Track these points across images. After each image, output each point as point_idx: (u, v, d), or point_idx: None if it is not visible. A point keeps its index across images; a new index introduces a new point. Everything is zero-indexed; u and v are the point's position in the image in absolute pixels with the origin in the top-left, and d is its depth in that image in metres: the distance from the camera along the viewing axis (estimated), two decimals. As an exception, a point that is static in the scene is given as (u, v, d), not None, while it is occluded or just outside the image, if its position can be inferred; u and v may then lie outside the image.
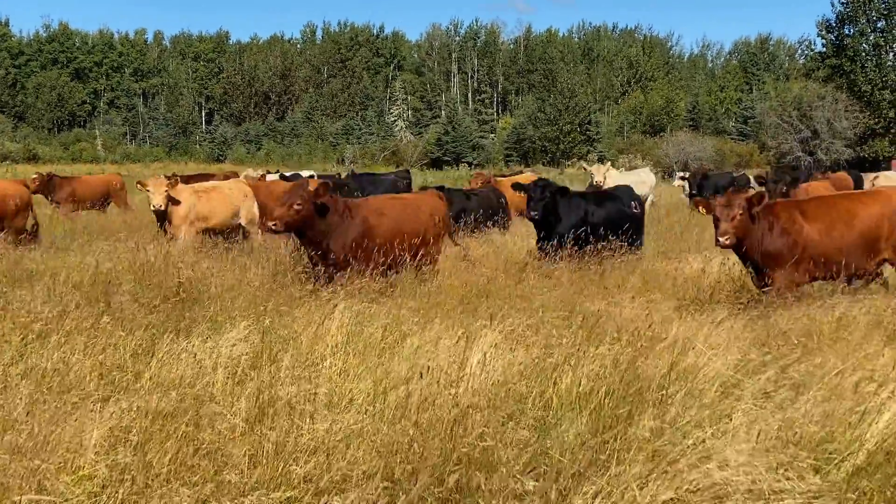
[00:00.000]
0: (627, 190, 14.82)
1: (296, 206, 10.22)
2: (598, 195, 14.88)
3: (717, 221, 9.73)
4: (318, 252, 10.56)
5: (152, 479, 4.76)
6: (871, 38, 70.31)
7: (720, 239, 9.56)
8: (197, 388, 6.09)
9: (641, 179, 25.15)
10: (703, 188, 22.80)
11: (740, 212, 9.54)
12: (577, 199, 13.81)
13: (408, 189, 24.65)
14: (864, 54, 70.44)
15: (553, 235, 12.97)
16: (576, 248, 12.39)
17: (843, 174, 27.48)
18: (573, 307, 8.90)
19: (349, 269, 9.94)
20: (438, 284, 10.26)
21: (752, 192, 10.06)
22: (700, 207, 10.39)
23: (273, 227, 10.35)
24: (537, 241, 13.32)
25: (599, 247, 12.23)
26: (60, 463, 4.85)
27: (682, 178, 29.38)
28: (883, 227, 10.20)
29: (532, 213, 13.08)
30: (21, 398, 5.74)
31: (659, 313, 8.68)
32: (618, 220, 13.42)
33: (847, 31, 71.28)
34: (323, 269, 10.51)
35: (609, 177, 23.10)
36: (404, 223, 11.20)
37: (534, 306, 8.79)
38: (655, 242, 15.06)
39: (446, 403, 5.62)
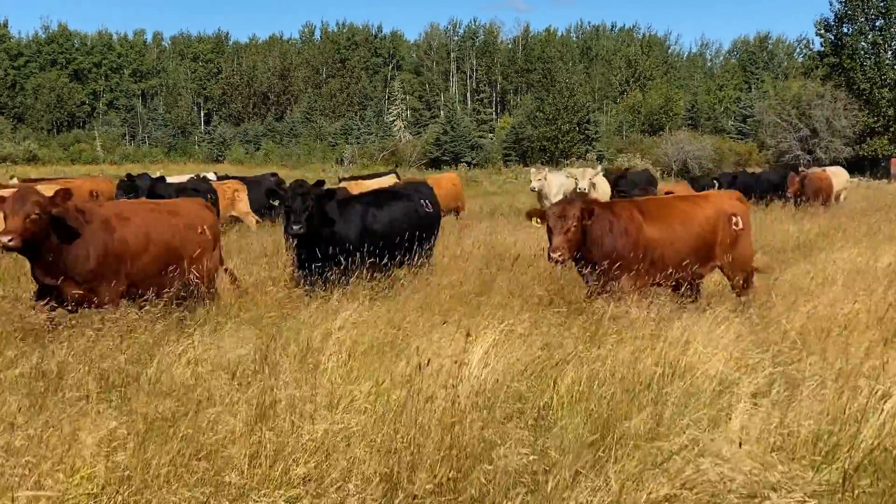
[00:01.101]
0: (420, 185, 13.16)
1: (32, 216, 8.05)
2: (380, 193, 12.60)
3: (550, 234, 9.24)
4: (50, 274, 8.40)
5: (152, 480, 4.78)
6: (869, 36, 70.40)
7: (552, 254, 9.02)
8: (198, 392, 6.11)
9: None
10: (619, 186, 22.10)
11: (574, 223, 9.09)
12: (351, 203, 11.41)
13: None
14: (862, 52, 70.50)
15: (328, 256, 10.39)
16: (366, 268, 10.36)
17: (683, 184, 27.47)
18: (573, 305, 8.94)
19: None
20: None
21: (588, 201, 9.80)
22: (534, 219, 9.71)
23: (9, 244, 8.00)
24: (299, 268, 10.61)
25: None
26: (59, 464, 4.86)
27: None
28: (717, 231, 10.13)
29: (295, 229, 10.24)
30: (20, 400, 5.76)
31: (657, 312, 8.70)
32: (408, 224, 11.44)
33: (845, 30, 71.33)
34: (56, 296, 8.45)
35: (597, 183, 21.83)
36: (155, 232, 9.29)
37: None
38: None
39: (446, 403, 5.64)
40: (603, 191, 21.48)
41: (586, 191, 20.72)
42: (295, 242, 10.53)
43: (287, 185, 11.42)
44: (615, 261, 9.23)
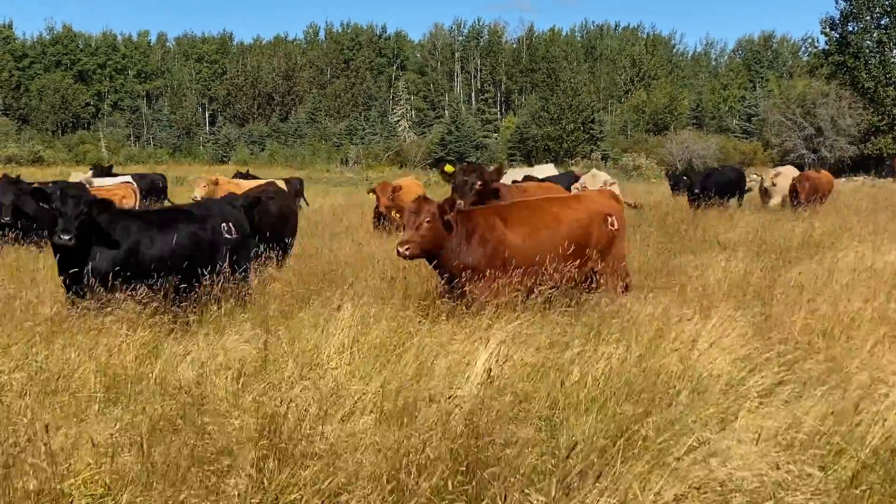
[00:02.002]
0: (218, 205, 10.73)
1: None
2: (166, 213, 10.78)
3: (404, 229, 9.05)
4: None
5: (156, 483, 4.77)
6: (874, 34, 70.28)
7: (399, 249, 8.75)
8: (201, 390, 6.10)
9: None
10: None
11: (428, 219, 8.77)
12: (128, 220, 9.33)
13: None
14: (867, 51, 70.39)
15: (80, 277, 8.59)
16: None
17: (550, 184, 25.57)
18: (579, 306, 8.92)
19: None
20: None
21: (443, 200, 9.09)
22: (393, 213, 9.63)
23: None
24: (66, 289, 8.84)
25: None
26: (64, 466, 4.85)
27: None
28: (591, 233, 9.75)
29: (63, 238, 8.43)
30: (25, 401, 5.75)
31: (664, 312, 8.68)
32: (196, 251, 9.45)
33: (851, 28, 71.23)
34: None
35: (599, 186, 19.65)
36: None
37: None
38: (658, 241, 15.02)
39: (453, 404, 5.63)
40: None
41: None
42: (59, 256, 8.65)
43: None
44: (475, 270, 8.91)
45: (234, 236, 10.04)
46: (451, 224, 9.01)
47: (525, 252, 9.15)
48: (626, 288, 10.08)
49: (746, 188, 26.62)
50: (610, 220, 9.99)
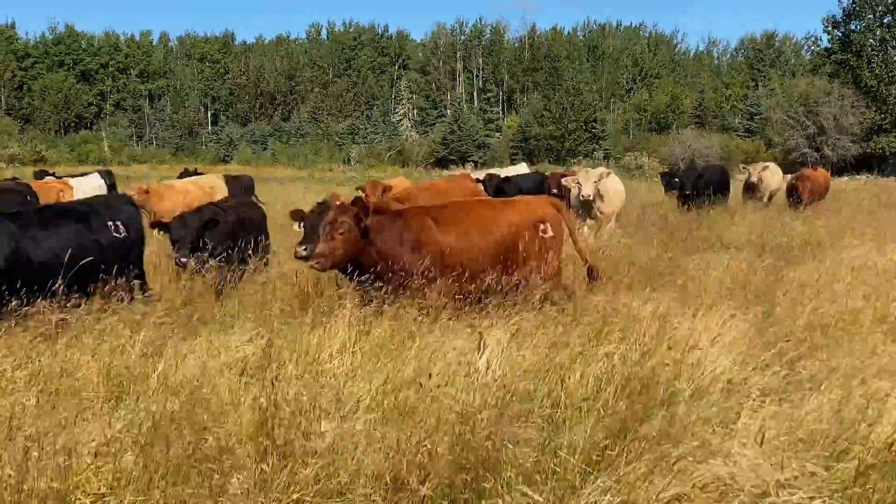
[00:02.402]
0: (106, 202, 10.09)
1: None
2: (47, 210, 9.75)
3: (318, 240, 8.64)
4: None
5: (159, 482, 4.77)
6: (877, 33, 70.26)
7: (310, 262, 8.45)
8: (204, 391, 6.11)
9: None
10: (502, 192, 18.97)
11: (341, 230, 8.39)
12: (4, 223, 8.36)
13: None
14: (870, 49, 70.36)
15: None
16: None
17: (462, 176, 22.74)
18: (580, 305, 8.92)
19: None
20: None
21: (356, 207, 8.72)
22: (294, 224, 9.34)
23: None
24: None
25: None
26: (67, 465, 4.86)
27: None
28: (520, 237, 9.34)
29: None
30: (28, 400, 5.76)
31: (666, 311, 8.67)
32: (82, 252, 8.45)
33: (853, 27, 71.20)
34: None
35: (603, 189, 17.05)
36: None
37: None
38: (660, 241, 14.99)
39: (454, 403, 5.63)
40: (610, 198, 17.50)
41: (589, 197, 16.45)
42: None
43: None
44: (408, 273, 8.52)
45: (121, 235, 9.24)
46: (370, 230, 8.62)
47: (459, 254, 8.92)
48: (556, 288, 9.62)
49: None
50: (542, 226, 9.59)
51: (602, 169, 18.07)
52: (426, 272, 8.55)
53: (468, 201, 10.49)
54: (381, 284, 8.47)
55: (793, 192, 23.12)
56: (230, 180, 23.67)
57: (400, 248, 8.75)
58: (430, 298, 8.38)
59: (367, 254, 8.69)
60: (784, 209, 21.91)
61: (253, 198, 20.96)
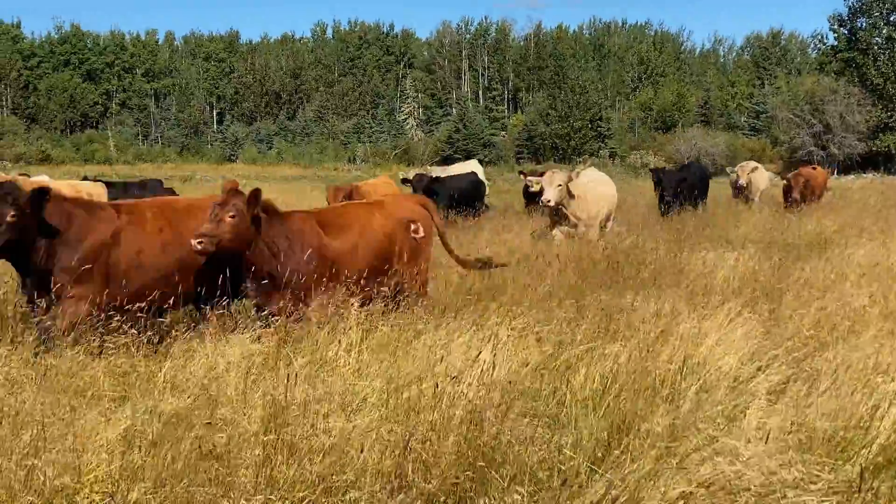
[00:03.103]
0: None
1: None
2: None
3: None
4: None
5: (166, 480, 4.78)
6: (883, 31, 70.13)
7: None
8: (211, 390, 6.11)
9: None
10: (433, 193, 17.87)
11: (232, 213, 7.77)
12: None
13: None
14: (876, 47, 70.24)
15: None
16: None
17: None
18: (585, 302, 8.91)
19: None
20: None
21: (249, 192, 8.02)
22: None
23: None
24: None
25: None
26: (74, 463, 4.87)
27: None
28: (394, 240, 9.01)
29: None
30: (35, 398, 5.77)
31: (671, 309, 8.66)
32: None
33: (860, 24, 71.08)
34: None
35: (580, 191, 15.23)
36: None
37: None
38: (666, 239, 14.96)
39: (459, 401, 5.63)
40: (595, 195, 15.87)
41: (561, 203, 14.84)
42: None
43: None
44: (300, 279, 8.07)
45: None
46: (261, 221, 8.06)
47: (343, 258, 8.53)
48: (423, 292, 9.30)
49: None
50: (414, 227, 9.23)
51: (581, 168, 17.13)
52: (316, 275, 8.17)
53: (345, 204, 9.92)
54: (267, 287, 8.05)
55: (788, 192, 22.30)
56: (135, 186, 22.88)
57: (288, 251, 8.16)
58: (316, 307, 8.01)
59: (257, 250, 8.07)
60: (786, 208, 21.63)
61: None
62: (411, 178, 21.14)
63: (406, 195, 10.71)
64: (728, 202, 23.27)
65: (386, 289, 8.66)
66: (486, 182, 22.67)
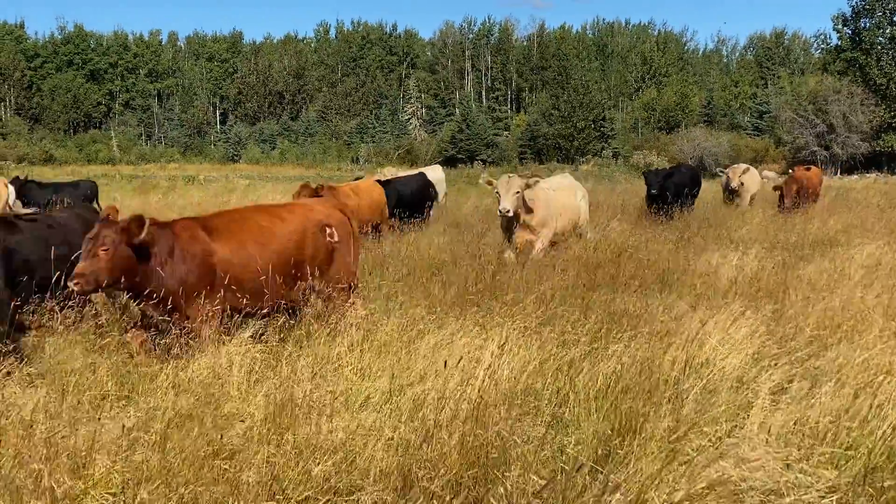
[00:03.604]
0: None
1: None
2: None
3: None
4: None
5: (171, 480, 4.78)
6: (887, 30, 70.04)
7: (69, 283, 7.12)
8: (213, 389, 6.12)
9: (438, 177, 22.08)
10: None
11: (105, 247, 7.21)
12: None
13: None
14: (879, 47, 70.15)
15: None
16: None
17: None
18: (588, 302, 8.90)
19: None
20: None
21: (125, 220, 7.47)
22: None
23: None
24: None
25: None
26: (79, 463, 4.87)
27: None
28: (305, 246, 8.51)
29: None
30: (40, 398, 5.78)
31: (674, 309, 8.66)
32: None
33: (863, 24, 71.00)
34: None
35: (541, 200, 13.75)
36: None
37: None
38: (669, 239, 14.94)
39: (462, 401, 5.63)
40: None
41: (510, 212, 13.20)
42: None
43: None
44: (184, 291, 7.58)
45: None
46: (147, 248, 7.49)
47: (236, 268, 7.90)
48: (348, 297, 8.76)
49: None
50: (329, 231, 8.77)
51: (567, 180, 15.75)
52: (200, 287, 7.66)
53: (245, 208, 9.22)
54: (156, 305, 7.55)
55: (782, 199, 21.44)
56: (68, 187, 22.55)
57: (167, 260, 7.63)
58: (202, 318, 7.55)
59: (145, 274, 7.52)
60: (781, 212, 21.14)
61: (95, 206, 19.53)
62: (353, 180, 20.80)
63: (322, 199, 10.02)
64: (718, 205, 22.73)
65: (298, 295, 8.30)
66: (439, 185, 21.36)
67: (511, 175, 13.66)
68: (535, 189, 13.33)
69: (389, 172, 24.51)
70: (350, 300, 8.65)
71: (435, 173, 22.36)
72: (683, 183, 20.79)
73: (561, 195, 14.38)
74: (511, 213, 13.05)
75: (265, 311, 7.97)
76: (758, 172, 25.49)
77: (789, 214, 19.45)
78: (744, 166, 24.47)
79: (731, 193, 23.23)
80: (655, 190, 19.74)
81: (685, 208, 19.55)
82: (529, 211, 13.35)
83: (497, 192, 13.22)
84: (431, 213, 19.58)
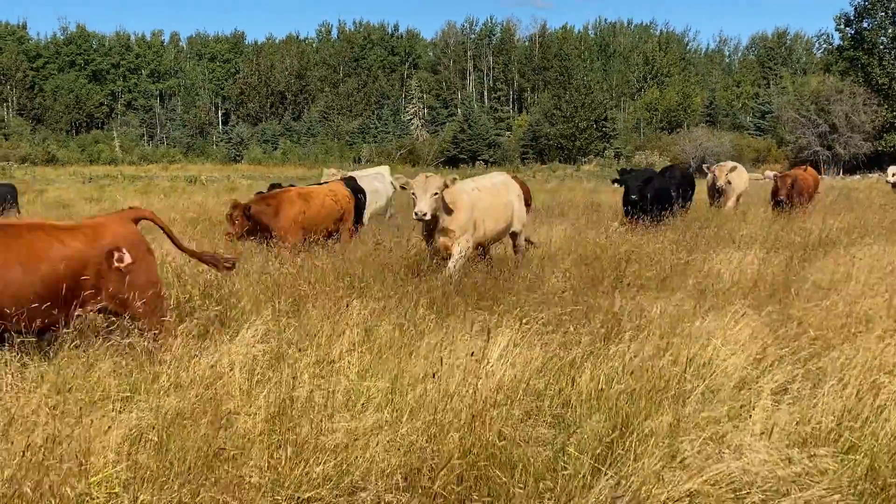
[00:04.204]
0: None
1: None
2: None
3: None
4: None
5: (172, 481, 4.78)
6: (889, 31, 70.03)
7: None
8: (215, 389, 6.11)
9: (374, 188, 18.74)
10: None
11: None
12: None
13: None
14: (881, 47, 70.16)
15: None
16: None
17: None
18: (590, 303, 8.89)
19: None
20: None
21: None
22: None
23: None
24: None
25: None
26: (81, 464, 4.87)
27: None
28: (87, 271, 7.61)
29: None
30: (40, 400, 5.77)
31: (676, 309, 8.65)
32: None
33: (865, 25, 71.01)
34: None
35: (460, 198, 11.94)
36: None
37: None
38: (671, 239, 14.91)
39: (464, 401, 5.63)
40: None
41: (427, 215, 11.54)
42: None
43: None
44: None
45: None
46: None
47: None
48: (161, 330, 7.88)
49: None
50: (118, 255, 7.82)
51: (468, 179, 13.75)
52: None
53: (26, 225, 8.17)
54: None
55: (775, 194, 20.31)
56: None
57: None
58: None
59: None
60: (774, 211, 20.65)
61: (14, 209, 19.21)
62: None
63: (114, 213, 8.72)
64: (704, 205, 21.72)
65: (71, 321, 7.45)
66: (374, 194, 18.84)
67: (429, 174, 12.23)
68: (455, 189, 11.92)
69: (329, 174, 22.93)
70: (160, 326, 7.83)
71: (370, 182, 19.01)
72: (669, 185, 18.92)
73: (487, 195, 12.66)
74: (428, 217, 11.46)
75: (32, 331, 7.25)
76: (745, 171, 24.02)
77: (782, 210, 18.77)
78: (731, 164, 23.23)
79: (717, 193, 21.80)
80: (636, 195, 17.61)
81: (669, 212, 17.68)
82: (450, 213, 11.76)
83: (413, 195, 11.60)
84: (364, 224, 17.11)
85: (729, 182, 21.63)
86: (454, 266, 11.15)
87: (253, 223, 14.00)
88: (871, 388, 6.03)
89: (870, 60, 69.48)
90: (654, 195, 17.70)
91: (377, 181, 19.32)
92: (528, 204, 17.24)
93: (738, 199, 21.96)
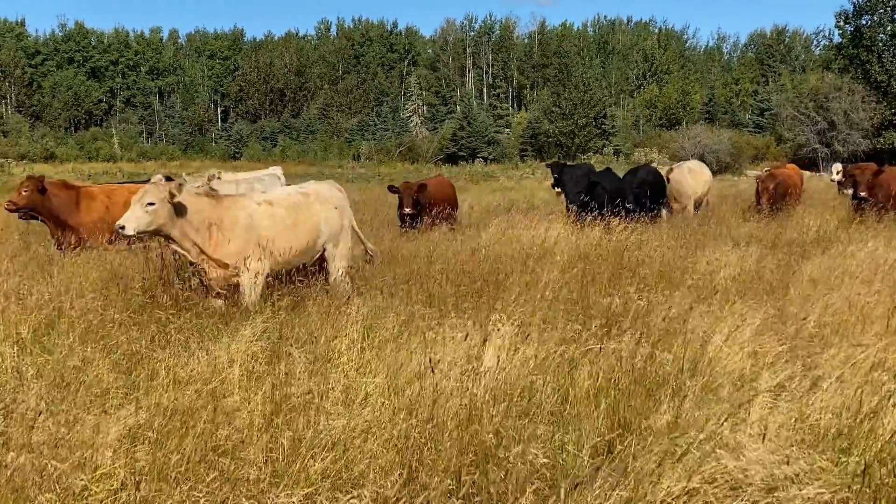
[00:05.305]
0: None
1: None
2: None
3: None
4: None
5: (171, 477, 4.79)
6: (888, 28, 69.89)
7: None
8: (213, 385, 6.12)
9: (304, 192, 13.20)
10: None
11: None
12: None
13: None
14: (881, 44, 70.03)
15: None
16: None
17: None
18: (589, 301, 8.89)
19: None
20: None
21: None
22: None
23: None
24: None
25: None
26: (80, 461, 4.88)
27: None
28: None
29: None
30: (40, 396, 5.78)
31: (674, 307, 8.66)
32: None
33: (865, 22, 70.86)
34: None
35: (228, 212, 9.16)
36: None
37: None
38: (670, 237, 14.90)
39: (462, 398, 5.63)
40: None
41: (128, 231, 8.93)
42: None
43: None
44: None
45: None
46: None
47: None
48: None
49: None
50: None
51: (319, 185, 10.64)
52: None
53: None
54: None
55: (759, 195, 19.15)
56: None
57: None
58: None
59: None
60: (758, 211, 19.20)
61: None
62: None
63: None
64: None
65: None
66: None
67: (158, 177, 10.19)
68: (226, 204, 9.21)
69: (209, 175, 19.34)
70: None
71: (249, 185, 16.67)
72: (618, 186, 17.37)
73: (280, 211, 9.58)
74: (129, 233, 8.58)
75: None
76: (706, 171, 21.18)
77: (767, 212, 17.98)
78: (687, 163, 20.79)
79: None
80: (572, 193, 16.39)
81: (623, 211, 16.13)
82: (203, 235, 8.92)
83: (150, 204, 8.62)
84: None
85: (669, 180, 19.10)
86: (248, 303, 8.77)
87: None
88: (869, 385, 6.04)
89: (869, 58, 69.38)
90: (593, 198, 16.16)
91: (259, 184, 17.05)
92: (454, 207, 17.72)
93: (699, 205, 19.75)
